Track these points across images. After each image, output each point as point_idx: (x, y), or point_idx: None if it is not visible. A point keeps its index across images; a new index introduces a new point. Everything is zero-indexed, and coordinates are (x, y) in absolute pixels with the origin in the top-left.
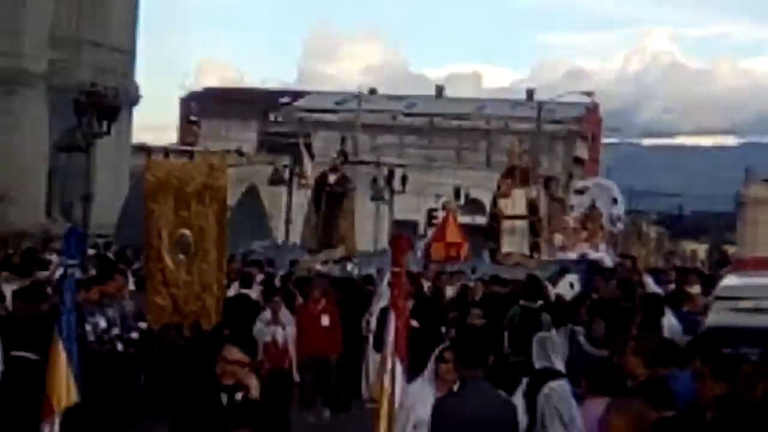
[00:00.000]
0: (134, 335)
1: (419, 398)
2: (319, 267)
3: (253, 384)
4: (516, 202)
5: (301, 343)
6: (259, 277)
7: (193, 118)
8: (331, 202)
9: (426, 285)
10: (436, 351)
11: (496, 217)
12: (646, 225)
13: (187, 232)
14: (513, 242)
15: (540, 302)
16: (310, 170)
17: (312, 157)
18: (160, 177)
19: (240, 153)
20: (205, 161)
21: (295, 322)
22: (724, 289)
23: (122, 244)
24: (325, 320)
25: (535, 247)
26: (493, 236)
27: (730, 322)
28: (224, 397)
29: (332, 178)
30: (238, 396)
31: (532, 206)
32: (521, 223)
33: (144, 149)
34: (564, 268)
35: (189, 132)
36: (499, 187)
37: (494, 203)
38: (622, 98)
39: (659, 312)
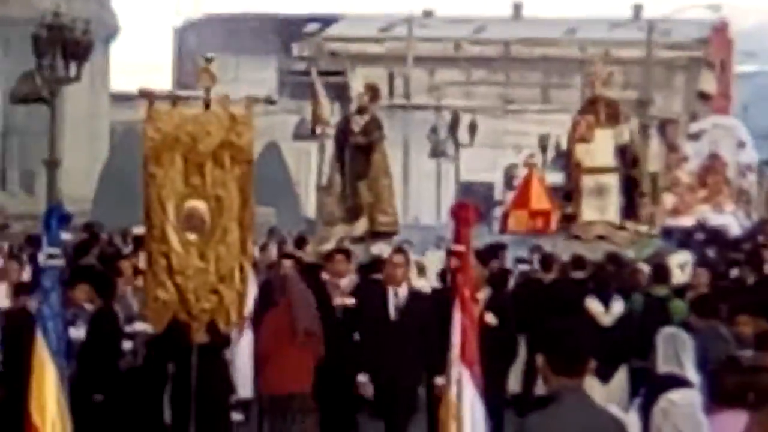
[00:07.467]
0: (126, 344)
1: None
2: (327, 248)
3: None
4: (600, 149)
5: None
6: None
7: (209, 55)
8: (356, 158)
9: None
10: None
11: (572, 172)
12: None
13: (200, 204)
14: (596, 206)
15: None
16: (328, 112)
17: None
18: (166, 132)
19: (270, 101)
20: (226, 112)
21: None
22: None
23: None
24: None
25: (630, 213)
26: (573, 198)
27: None
28: None
29: (358, 125)
30: None
31: (625, 153)
32: (608, 179)
33: (125, 98)
34: (681, 242)
35: (204, 74)
36: (575, 128)
37: (569, 152)
38: (760, 13)
39: None
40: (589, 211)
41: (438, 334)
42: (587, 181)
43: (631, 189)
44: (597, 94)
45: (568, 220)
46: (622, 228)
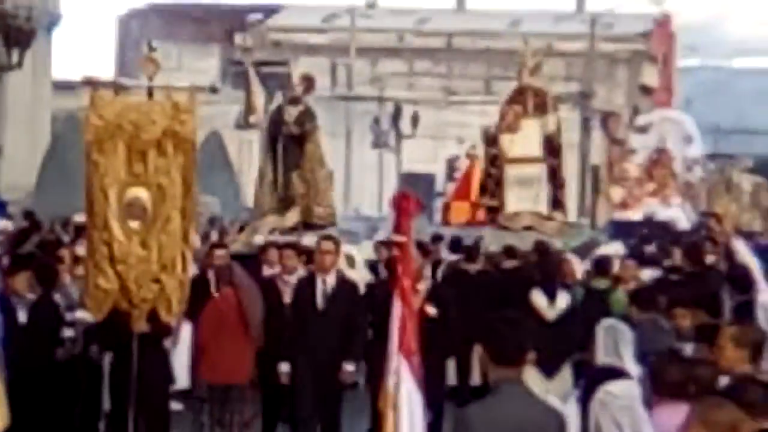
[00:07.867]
0: (68, 332)
1: None
2: (257, 239)
3: None
4: (527, 139)
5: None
6: None
7: (153, 43)
8: (288, 149)
9: None
10: None
11: (496, 161)
12: (737, 173)
13: (142, 192)
14: (521, 196)
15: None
16: (262, 102)
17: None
18: (108, 120)
19: (214, 90)
20: (169, 100)
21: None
22: None
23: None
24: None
25: (558, 204)
26: (494, 189)
27: None
28: None
29: (291, 115)
30: None
31: (551, 144)
32: (534, 169)
33: (68, 85)
34: (626, 235)
35: (148, 62)
36: (502, 118)
37: (493, 141)
38: (703, 7)
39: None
40: (514, 202)
41: (362, 322)
42: (512, 171)
43: (557, 179)
44: (525, 83)
45: (492, 211)
46: (549, 218)
